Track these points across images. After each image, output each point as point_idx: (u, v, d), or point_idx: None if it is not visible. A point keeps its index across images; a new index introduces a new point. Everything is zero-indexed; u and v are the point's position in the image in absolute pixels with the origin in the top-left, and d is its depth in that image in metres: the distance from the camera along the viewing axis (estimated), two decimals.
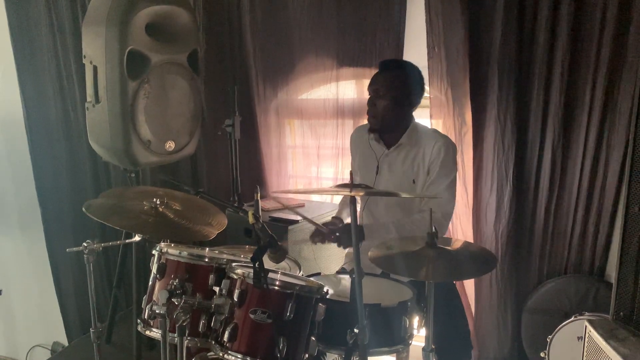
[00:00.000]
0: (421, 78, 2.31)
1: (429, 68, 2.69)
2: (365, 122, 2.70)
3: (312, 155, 3.24)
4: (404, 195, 1.90)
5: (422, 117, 2.57)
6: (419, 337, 1.91)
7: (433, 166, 2.23)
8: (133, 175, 2.69)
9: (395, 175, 2.31)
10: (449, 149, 2.24)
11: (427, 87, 2.69)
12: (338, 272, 2.35)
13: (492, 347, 2.87)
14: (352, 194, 1.57)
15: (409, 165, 2.28)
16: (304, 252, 2.73)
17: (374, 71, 2.81)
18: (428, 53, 2.69)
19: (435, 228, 1.72)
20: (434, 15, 2.64)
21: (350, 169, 2.50)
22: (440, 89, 2.70)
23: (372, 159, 2.37)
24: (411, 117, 2.32)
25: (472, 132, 2.69)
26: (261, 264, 1.52)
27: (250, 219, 1.56)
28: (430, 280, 1.68)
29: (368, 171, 2.36)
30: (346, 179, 2.95)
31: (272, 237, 1.64)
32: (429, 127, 2.45)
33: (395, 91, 2.21)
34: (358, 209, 2.53)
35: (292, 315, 1.60)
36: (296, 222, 2.70)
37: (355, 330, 1.58)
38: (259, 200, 2.65)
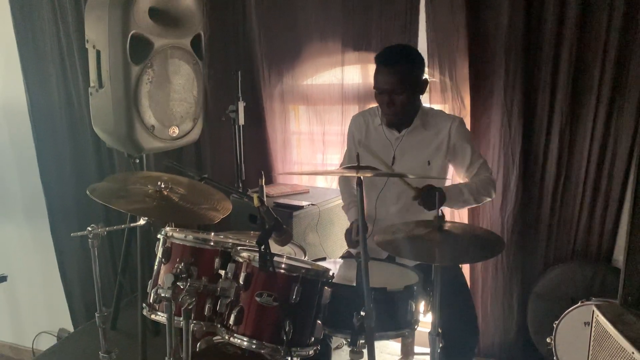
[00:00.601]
0: (422, 58, 2.28)
1: (428, 51, 2.67)
2: (368, 107, 2.67)
3: (317, 141, 3.22)
4: (411, 176, 1.88)
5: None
6: (425, 322, 1.90)
7: (461, 147, 2.26)
8: (137, 161, 2.68)
9: (409, 158, 2.29)
10: (463, 125, 2.30)
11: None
12: (342, 257, 2.35)
13: (497, 333, 2.86)
14: (359, 174, 1.55)
15: (424, 148, 2.27)
16: (309, 237, 2.73)
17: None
18: (427, 36, 2.67)
19: (442, 212, 1.72)
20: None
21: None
22: (440, 73, 2.69)
23: (386, 145, 2.33)
24: (419, 100, 2.30)
25: (471, 115, 2.69)
26: (267, 246, 1.51)
27: (256, 202, 1.55)
28: (437, 264, 1.67)
29: (382, 157, 2.32)
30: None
31: (277, 220, 1.63)
32: (435, 108, 2.42)
33: (409, 84, 2.18)
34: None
35: (298, 299, 1.60)
36: (301, 207, 2.69)
37: (362, 314, 1.57)
38: (264, 186, 2.66)
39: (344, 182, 2.59)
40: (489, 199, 2.29)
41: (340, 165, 2.60)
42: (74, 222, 3.72)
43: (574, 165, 2.58)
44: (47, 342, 4.04)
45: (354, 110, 3.02)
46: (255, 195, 1.56)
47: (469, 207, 2.26)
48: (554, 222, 2.66)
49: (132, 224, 2.25)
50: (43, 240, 3.87)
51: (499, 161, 2.66)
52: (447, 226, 1.73)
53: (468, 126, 2.65)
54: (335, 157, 3.18)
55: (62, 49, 3.46)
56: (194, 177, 2.19)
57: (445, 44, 2.64)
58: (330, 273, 1.70)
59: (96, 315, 2.12)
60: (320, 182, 3.27)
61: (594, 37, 2.41)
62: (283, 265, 1.63)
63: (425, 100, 2.70)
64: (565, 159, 2.57)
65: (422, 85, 2.27)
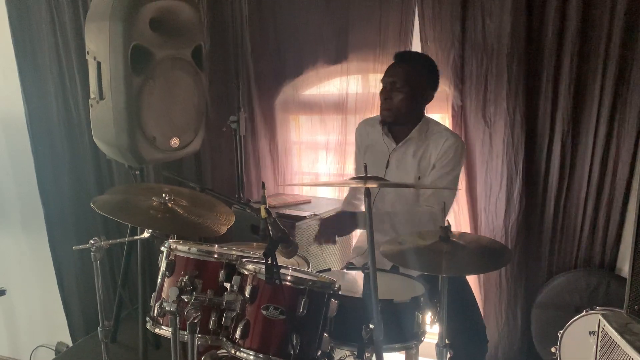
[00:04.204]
0: (437, 72, 2.30)
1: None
2: (370, 115, 2.68)
3: (317, 151, 3.21)
4: (414, 186, 1.87)
5: None
6: (430, 333, 1.89)
7: (439, 162, 2.23)
8: (137, 172, 2.67)
9: (402, 170, 2.29)
10: (458, 148, 2.23)
11: None
12: (346, 268, 2.33)
13: (501, 343, 2.84)
14: (367, 185, 1.54)
15: (417, 162, 2.26)
16: (312, 248, 2.70)
17: (378, 65, 2.81)
18: (421, 47, 2.68)
19: (448, 222, 1.71)
20: (426, 9, 2.63)
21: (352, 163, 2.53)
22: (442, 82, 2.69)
23: (383, 152, 2.34)
24: (423, 112, 2.30)
25: (474, 124, 2.68)
26: (274, 259, 1.49)
27: (263, 213, 1.54)
28: (445, 275, 1.65)
29: (377, 165, 2.33)
30: (350, 174, 2.94)
31: (284, 231, 1.62)
32: (441, 123, 2.42)
33: (412, 84, 2.20)
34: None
35: (305, 312, 1.57)
36: (303, 218, 2.67)
37: (371, 326, 1.56)
38: (266, 197, 2.64)
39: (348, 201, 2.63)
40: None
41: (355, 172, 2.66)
42: (72, 234, 3.69)
43: (576, 174, 2.57)
44: (45, 356, 4.00)
45: (355, 119, 3.02)
46: (262, 207, 1.54)
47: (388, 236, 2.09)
48: (557, 230, 2.65)
49: (135, 237, 2.22)
50: (41, 253, 3.83)
51: (502, 171, 2.65)
52: (453, 237, 1.72)
53: (470, 136, 2.68)
54: (335, 166, 3.17)
55: (61, 61, 3.45)
56: (195, 188, 2.17)
57: (445, 53, 2.64)
58: (337, 285, 1.68)
59: (99, 329, 2.09)
60: (322, 192, 3.26)
61: (594, 44, 2.41)
62: (289, 278, 1.61)
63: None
64: (567, 168, 2.57)
65: (423, 95, 2.27)
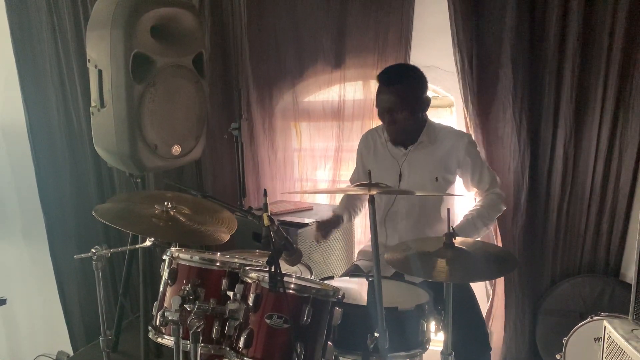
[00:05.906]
0: (423, 76, 2.28)
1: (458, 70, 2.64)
2: (374, 125, 2.67)
3: (317, 158, 3.21)
4: (418, 193, 1.87)
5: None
6: (436, 341, 1.87)
7: (472, 164, 2.29)
8: (139, 180, 2.66)
9: (417, 174, 2.28)
10: (473, 141, 2.34)
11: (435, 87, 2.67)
12: (350, 274, 2.32)
13: (507, 351, 2.82)
14: (371, 192, 1.53)
15: (432, 163, 2.27)
16: (314, 255, 2.69)
17: (378, 72, 2.79)
18: (453, 45, 2.62)
19: (452, 228, 1.69)
20: (456, 15, 2.57)
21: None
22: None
23: (392, 163, 2.33)
24: (425, 116, 2.30)
25: (481, 130, 2.66)
26: (277, 267, 1.48)
27: (266, 221, 1.52)
28: (449, 282, 1.64)
29: (388, 176, 2.32)
30: (345, 181, 2.93)
31: (287, 239, 1.61)
32: (440, 123, 2.42)
33: (411, 102, 2.20)
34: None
35: (309, 320, 1.56)
36: (306, 225, 2.66)
37: (376, 335, 1.54)
38: (268, 204, 2.63)
39: (348, 196, 2.60)
40: (499, 214, 2.34)
41: (350, 181, 2.65)
42: (73, 243, 3.67)
43: (579, 179, 2.56)
44: None
45: (355, 126, 3.01)
46: (264, 215, 1.53)
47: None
48: (561, 237, 2.64)
49: (137, 245, 2.21)
50: (42, 261, 3.82)
51: (509, 177, 2.64)
52: (458, 243, 1.71)
53: (481, 142, 2.66)
54: (335, 172, 3.15)
55: (62, 69, 3.45)
56: (196, 195, 2.16)
57: (460, 58, 2.61)
58: (341, 293, 1.67)
59: (100, 338, 2.07)
60: (323, 198, 3.25)
61: (596, 48, 2.40)
62: (292, 286, 1.60)
63: (435, 116, 2.72)
64: (570, 173, 2.56)
65: (423, 104, 2.28)
